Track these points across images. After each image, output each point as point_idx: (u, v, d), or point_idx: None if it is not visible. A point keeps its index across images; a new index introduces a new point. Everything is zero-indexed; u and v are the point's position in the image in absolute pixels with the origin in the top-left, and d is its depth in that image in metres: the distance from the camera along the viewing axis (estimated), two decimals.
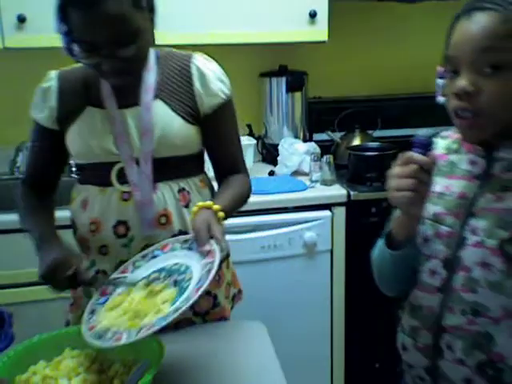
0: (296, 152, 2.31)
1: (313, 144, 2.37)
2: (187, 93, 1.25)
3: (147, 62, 1.22)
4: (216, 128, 1.28)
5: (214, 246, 1.03)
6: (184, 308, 0.90)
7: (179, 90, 1.24)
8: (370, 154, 2.25)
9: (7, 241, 1.78)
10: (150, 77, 1.23)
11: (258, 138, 2.51)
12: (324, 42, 2.26)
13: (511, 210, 0.91)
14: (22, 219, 1.28)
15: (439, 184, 1.01)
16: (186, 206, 1.26)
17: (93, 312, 1.05)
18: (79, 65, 1.22)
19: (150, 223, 1.22)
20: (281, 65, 2.48)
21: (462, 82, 0.89)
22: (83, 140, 1.22)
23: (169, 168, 1.24)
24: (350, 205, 2.10)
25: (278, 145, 2.40)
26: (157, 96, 1.23)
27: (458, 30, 0.91)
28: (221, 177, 1.33)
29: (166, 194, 1.24)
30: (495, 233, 0.91)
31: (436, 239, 1.00)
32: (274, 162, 2.40)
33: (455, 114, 0.92)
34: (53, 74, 1.27)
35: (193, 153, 1.29)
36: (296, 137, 2.49)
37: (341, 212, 2.09)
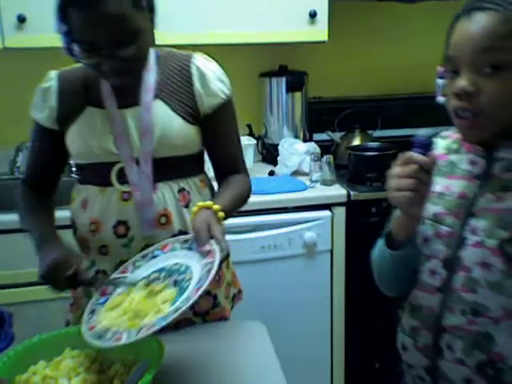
0: (296, 152, 2.31)
1: (313, 144, 2.37)
2: (187, 93, 1.24)
3: (147, 62, 1.22)
4: (216, 128, 1.28)
5: (214, 245, 1.03)
6: (184, 308, 0.90)
7: (179, 89, 1.24)
8: (369, 154, 2.25)
9: (7, 241, 1.78)
10: (150, 77, 1.23)
11: (258, 138, 2.51)
12: (324, 42, 2.26)
13: (511, 210, 0.91)
14: (21, 219, 1.28)
15: (439, 184, 1.01)
16: (186, 206, 1.26)
17: (93, 312, 1.05)
18: (79, 65, 1.22)
19: (150, 223, 1.22)
20: (281, 65, 2.48)
21: (462, 82, 0.89)
22: (83, 140, 1.22)
23: (169, 168, 1.24)
24: (350, 205, 2.10)
25: (278, 145, 2.40)
26: (157, 96, 1.23)
27: (458, 30, 0.91)
28: (221, 177, 1.33)
29: (166, 194, 1.24)
30: (495, 233, 0.91)
31: (436, 239, 1.00)
32: (274, 162, 2.40)
33: (455, 113, 0.92)
34: (53, 74, 1.27)
35: (193, 153, 1.29)
36: (296, 137, 2.49)
37: (341, 212, 2.09)
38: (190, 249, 1.08)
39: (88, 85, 1.24)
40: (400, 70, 2.69)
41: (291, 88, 2.44)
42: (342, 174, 2.27)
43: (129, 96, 1.21)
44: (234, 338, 1.24)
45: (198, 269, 1.01)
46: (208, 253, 1.02)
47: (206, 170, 1.38)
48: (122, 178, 1.22)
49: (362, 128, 2.50)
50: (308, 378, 2.14)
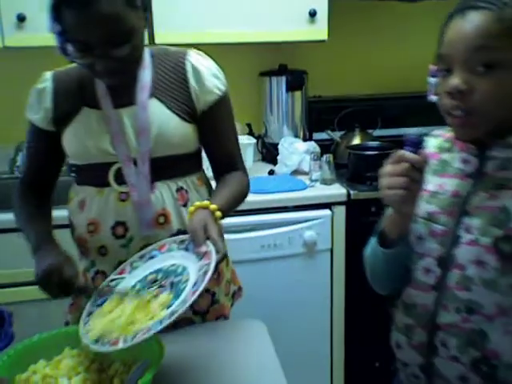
0: (296, 151, 2.31)
1: (313, 143, 2.37)
2: (183, 90, 1.24)
3: (142, 61, 1.21)
4: (212, 125, 1.27)
5: (210, 247, 1.02)
6: (180, 312, 0.90)
7: (174, 87, 1.24)
8: (369, 154, 2.25)
9: (8, 240, 1.78)
10: (145, 76, 1.22)
11: (257, 138, 2.51)
12: (324, 41, 2.26)
13: (505, 208, 0.91)
14: (18, 222, 1.27)
15: (432, 183, 1.01)
16: (185, 205, 1.26)
17: (90, 314, 1.05)
18: (74, 65, 1.22)
19: (149, 223, 1.22)
20: (281, 64, 2.48)
21: (455, 81, 0.89)
22: (79, 141, 1.21)
23: (166, 167, 1.24)
24: (349, 204, 2.10)
25: (277, 144, 2.40)
26: (152, 95, 1.22)
27: (452, 29, 0.91)
28: (219, 174, 1.32)
29: (164, 194, 1.23)
30: (489, 231, 0.92)
31: (430, 238, 1.00)
32: (274, 161, 2.40)
33: (448, 112, 0.93)
34: (47, 74, 1.26)
35: (190, 151, 1.28)
36: (296, 136, 2.49)
37: (341, 211, 2.09)
38: (186, 249, 1.08)
39: (83, 85, 1.23)
40: (400, 69, 2.69)
41: (291, 87, 2.43)
42: (341, 174, 2.27)
43: (124, 95, 1.20)
44: (234, 338, 1.24)
45: (194, 270, 1.01)
46: (204, 254, 1.02)
47: (205, 169, 1.38)
48: (120, 178, 1.21)
49: (362, 127, 2.49)
50: (308, 376, 2.14)
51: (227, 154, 1.33)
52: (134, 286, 1.07)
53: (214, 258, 0.99)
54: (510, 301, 0.90)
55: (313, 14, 2.20)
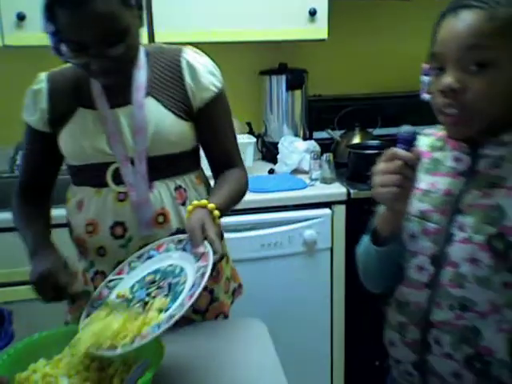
0: (296, 150, 2.31)
1: (313, 142, 2.37)
2: (179, 88, 1.23)
3: (137, 59, 1.20)
4: (209, 122, 1.27)
5: (207, 248, 1.02)
6: (178, 316, 0.90)
7: (170, 85, 1.23)
8: (369, 152, 2.25)
9: (8, 239, 1.78)
10: (141, 74, 1.21)
11: (257, 136, 2.51)
12: (324, 40, 2.26)
13: (498, 206, 0.92)
14: (16, 224, 1.27)
15: (424, 181, 1.02)
16: (183, 204, 1.25)
17: (89, 315, 1.05)
18: (69, 65, 1.21)
19: (148, 223, 1.21)
20: (281, 63, 2.47)
21: (448, 79, 0.89)
22: (76, 141, 1.21)
23: (164, 166, 1.23)
24: (349, 203, 2.10)
25: (277, 143, 2.40)
26: (148, 93, 1.21)
27: (445, 28, 0.92)
28: (217, 172, 1.32)
29: (162, 193, 1.23)
30: (483, 229, 0.92)
31: (423, 236, 1.00)
32: (274, 160, 2.40)
33: (440, 110, 0.93)
34: (42, 75, 1.26)
35: (187, 149, 1.27)
36: (296, 135, 2.49)
37: (341, 210, 2.09)
38: (184, 249, 1.08)
39: (79, 85, 1.22)
40: (400, 68, 2.69)
41: (291, 86, 2.43)
42: (341, 172, 2.27)
43: (120, 95, 1.20)
44: (234, 337, 1.24)
45: (192, 272, 1.01)
46: (202, 255, 1.02)
47: (203, 167, 1.37)
48: (118, 178, 1.21)
49: (362, 126, 2.49)
50: (308, 375, 2.15)
51: (225, 152, 1.32)
52: (132, 287, 1.07)
53: (211, 259, 0.99)
54: (503, 298, 0.91)
55: (313, 12, 2.20)
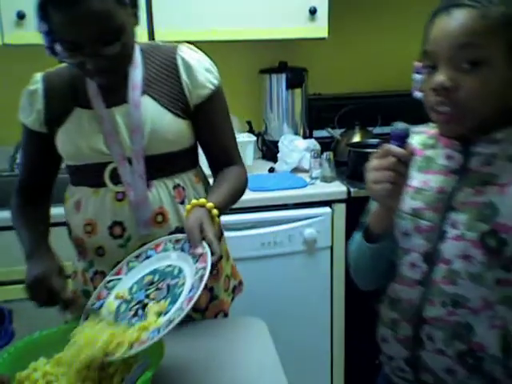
0: (296, 149, 2.31)
1: (313, 141, 2.37)
2: (175, 86, 1.22)
3: (132, 58, 1.19)
4: (207, 119, 1.26)
5: (206, 248, 1.02)
6: (177, 320, 0.90)
7: (167, 83, 1.22)
8: (369, 151, 2.24)
9: (8, 237, 1.78)
10: (137, 73, 1.20)
11: (257, 135, 2.51)
12: (324, 38, 2.25)
13: (491, 203, 0.92)
14: (14, 225, 1.27)
15: (417, 179, 1.02)
16: (182, 203, 1.25)
17: (88, 316, 1.05)
18: (64, 65, 1.21)
19: (147, 222, 1.21)
20: (281, 61, 2.47)
21: (440, 78, 0.90)
22: (73, 142, 1.20)
23: (162, 165, 1.22)
24: (350, 201, 2.10)
25: (277, 141, 2.40)
26: (144, 92, 1.20)
27: (437, 26, 0.92)
28: (216, 170, 1.31)
29: (161, 192, 1.22)
30: (476, 226, 0.93)
31: (416, 233, 1.01)
32: (274, 159, 2.40)
33: (432, 108, 0.93)
34: (38, 76, 1.25)
35: (185, 148, 1.26)
36: (296, 133, 2.49)
37: (341, 209, 2.09)
38: (182, 249, 1.08)
39: (74, 85, 1.22)
40: (400, 66, 2.68)
41: (291, 85, 2.43)
42: (341, 171, 2.27)
43: (116, 94, 1.19)
44: (234, 336, 1.24)
45: (190, 273, 1.00)
46: (200, 256, 1.01)
47: (202, 166, 1.37)
48: (116, 178, 1.20)
49: (362, 125, 2.50)
50: (308, 373, 2.15)
51: (223, 149, 1.31)
52: (131, 288, 1.07)
53: (209, 261, 0.99)
54: (496, 294, 0.92)
55: (313, 11, 2.20)
